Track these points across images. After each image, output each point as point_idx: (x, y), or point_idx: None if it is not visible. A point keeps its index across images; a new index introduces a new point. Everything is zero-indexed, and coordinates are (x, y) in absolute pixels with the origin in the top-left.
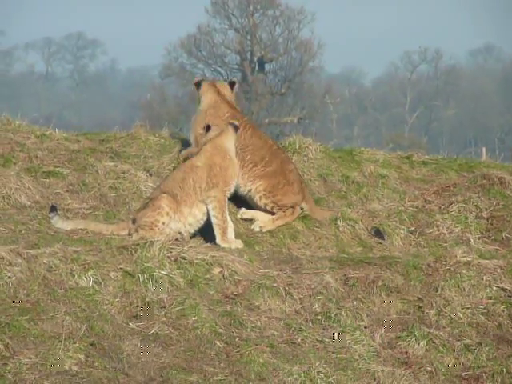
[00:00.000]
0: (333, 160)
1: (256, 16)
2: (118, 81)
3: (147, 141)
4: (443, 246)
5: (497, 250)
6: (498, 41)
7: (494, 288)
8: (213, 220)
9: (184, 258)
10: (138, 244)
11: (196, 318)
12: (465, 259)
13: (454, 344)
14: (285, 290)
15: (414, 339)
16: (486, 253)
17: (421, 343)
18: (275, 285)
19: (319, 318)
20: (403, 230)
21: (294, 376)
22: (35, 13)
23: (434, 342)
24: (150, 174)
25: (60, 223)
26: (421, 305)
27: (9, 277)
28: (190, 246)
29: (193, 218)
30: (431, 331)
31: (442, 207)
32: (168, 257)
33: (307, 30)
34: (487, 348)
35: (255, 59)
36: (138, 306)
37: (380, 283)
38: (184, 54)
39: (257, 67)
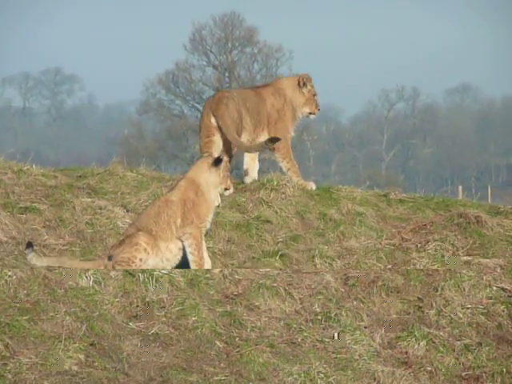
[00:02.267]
0: (310, 197)
1: (234, 53)
2: (96, 116)
3: (124, 177)
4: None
5: None
6: (475, 81)
7: (494, 288)
8: (189, 257)
9: None
10: None
11: (196, 318)
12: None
13: (454, 344)
14: (285, 289)
15: (414, 339)
16: None
17: (421, 343)
18: (275, 285)
19: (319, 317)
20: (380, 267)
21: (294, 376)
22: (13, 47)
23: (434, 342)
24: (127, 210)
25: (35, 260)
26: (421, 305)
27: (9, 276)
28: None
29: (170, 253)
30: (431, 331)
31: (419, 245)
32: None
33: (285, 67)
34: (487, 348)
35: None
36: (137, 306)
37: (380, 283)
38: (162, 90)
39: None
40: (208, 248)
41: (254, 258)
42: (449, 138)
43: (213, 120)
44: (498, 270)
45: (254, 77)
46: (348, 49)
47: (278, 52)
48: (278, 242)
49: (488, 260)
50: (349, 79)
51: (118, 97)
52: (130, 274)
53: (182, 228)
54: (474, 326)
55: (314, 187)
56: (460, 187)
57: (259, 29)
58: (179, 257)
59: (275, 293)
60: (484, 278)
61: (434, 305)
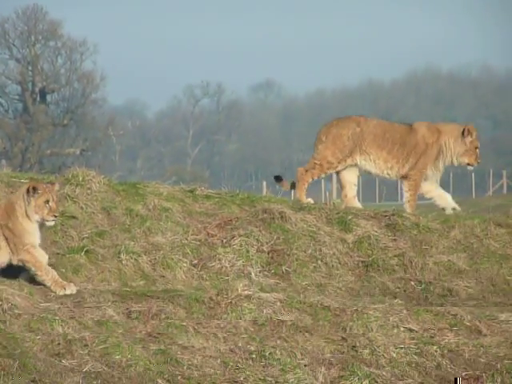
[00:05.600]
0: (117, 193)
1: (37, 47)
2: None
3: None
4: (225, 280)
5: (277, 283)
6: (279, 77)
7: (402, 329)
8: (37, 278)
9: None
10: None
11: (130, 356)
12: (246, 292)
13: (397, 383)
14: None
15: (356, 378)
16: (266, 286)
17: (363, 382)
18: (57, 318)
19: (254, 356)
20: (186, 263)
21: None
22: None
23: (376, 382)
24: None
25: None
26: (348, 344)
27: None
28: None
29: None
30: (372, 370)
31: (224, 241)
32: None
33: (90, 61)
34: None
35: (37, 90)
36: (59, 344)
37: (163, 316)
38: None
39: (38, 98)
40: None
41: (58, 254)
42: (253, 134)
43: (323, 138)
44: (278, 304)
45: (59, 70)
46: (153, 42)
47: (83, 46)
48: (84, 238)
49: (268, 294)
50: (154, 73)
51: None
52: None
53: (16, 256)
54: (414, 365)
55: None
56: (264, 183)
57: (63, 22)
58: None
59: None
60: (391, 318)
61: (363, 344)
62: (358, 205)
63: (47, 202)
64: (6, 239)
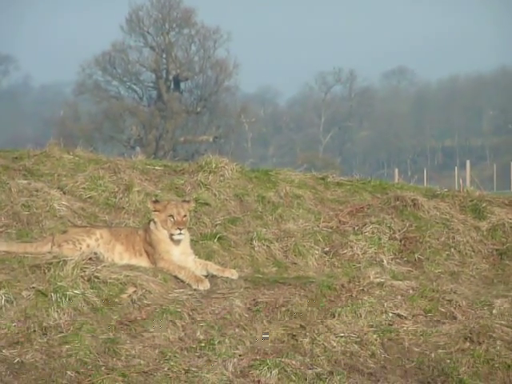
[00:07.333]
0: (249, 180)
1: (171, 34)
2: (31, 97)
3: (61, 159)
4: (357, 267)
5: (409, 271)
6: (412, 63)
7: (390, 314)
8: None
9: (98, 278)
10: (51, 263)
11: (69, 346)
12: (378, 280)
13: (306, 373)
14: (189, 315)
15: (266, 368)
16: (398, 274)
17: (273, 372)
18: (179, 310)
19: (193, 346)
20: (318, 250)
21: None
22: None
23: (285, 371)
24: (64, 193)
25: None
26: (294, 333)
27: None
28: (104, 266)
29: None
30: (283, 359)
31: (356, 228)
32: (81, 276)
33: (223, 49)
34: (338, 377)
35: (170, 77)
36: (35, 331)
37: (283, 309)
38: (98, 71)
39: (172, 85)
40: None
41: (192, 240)
42: (385, 120)
43: None
44: (411, 291)
45: (192, 58)
46: (285, 31)
47: (216, 34)
48: (217, 225)
49: (400, 282)
50: (286, 61)
51: (54, 77)
52: (43, 293)
53: (155, 266)
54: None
55: None
56: (396, 170)
57: (196, 10)
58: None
59: (179, 318)
60: (385, 304)
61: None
62: None
63: (171, 216)
64: (148, 255)
